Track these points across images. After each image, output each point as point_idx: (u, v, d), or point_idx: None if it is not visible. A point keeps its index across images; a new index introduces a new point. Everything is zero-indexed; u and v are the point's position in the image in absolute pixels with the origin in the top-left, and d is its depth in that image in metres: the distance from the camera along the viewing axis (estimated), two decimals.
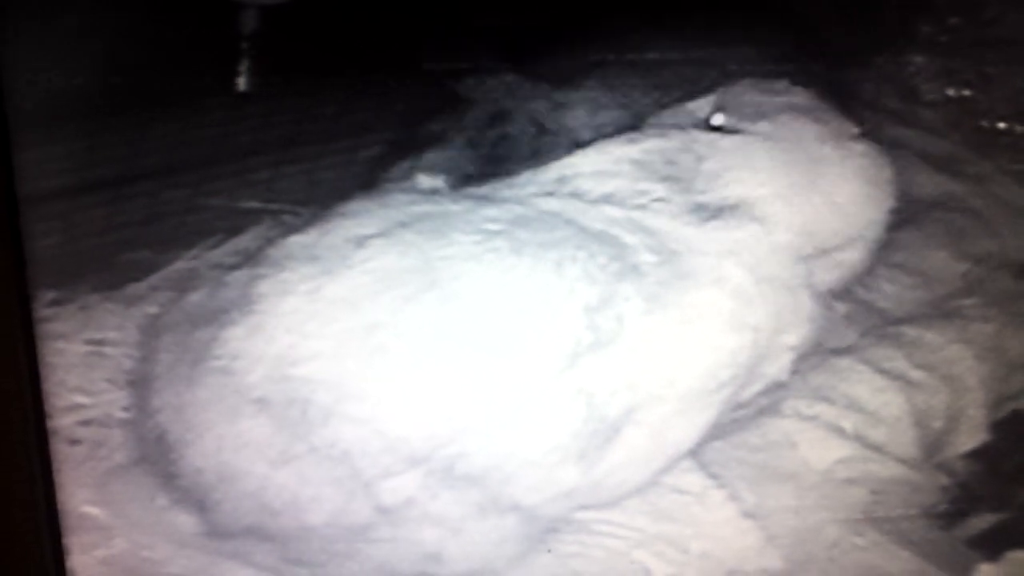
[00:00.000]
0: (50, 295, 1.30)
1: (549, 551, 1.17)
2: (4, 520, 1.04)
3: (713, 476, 1.23)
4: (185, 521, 1.14)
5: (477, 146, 1.52)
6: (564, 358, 1.13)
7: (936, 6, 1.62)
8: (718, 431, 1.25)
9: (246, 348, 1.12)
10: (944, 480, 1.27)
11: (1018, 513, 1.26)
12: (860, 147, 1.36)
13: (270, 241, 1.25)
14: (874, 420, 1.28)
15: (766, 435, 1.27)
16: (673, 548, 1.18)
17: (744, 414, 1.28)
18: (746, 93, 1.41)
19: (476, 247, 1.17)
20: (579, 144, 1.38)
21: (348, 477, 1.09)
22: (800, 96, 1.41)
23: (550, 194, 1.28)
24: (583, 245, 1.19)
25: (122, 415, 1.22)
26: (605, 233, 1.22)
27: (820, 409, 1.28)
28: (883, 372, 1.31)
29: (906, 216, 1.45)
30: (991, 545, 1.22)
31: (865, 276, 1.40)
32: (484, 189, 1.31)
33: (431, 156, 1.50)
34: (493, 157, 1.49)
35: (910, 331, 1.35)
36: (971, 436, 1.31)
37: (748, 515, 1.20)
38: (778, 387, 1.29)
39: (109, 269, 1.36)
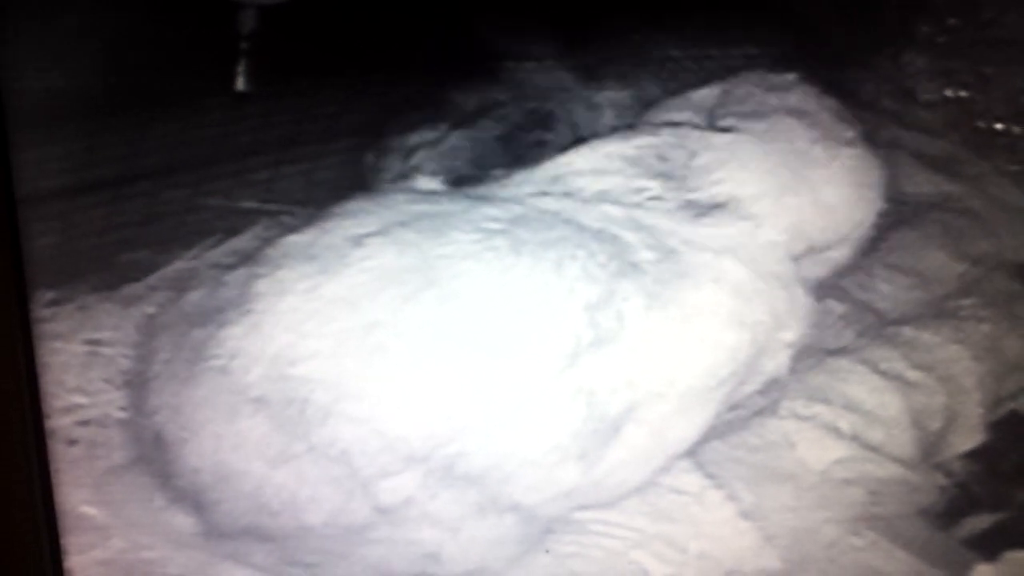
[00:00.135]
0: (48, 295, 1.30)
1: (547, 551, 1.17)
2: (2, 520, 1.04)
3: (711, 476, 1.23)
4: (183, 521, 1.14)
5: (475, 145, 1.51)
6: (564, 357, 1.13)
7: (934, 6, 1.61)
8: (716, 431, 1.25)
9: (244, 347, 1.12)
10: (942, 480, 1.27)
11: (1016, 513, 1.26)
12: (852, 150, 1.36)
13: (268, 241, 1.26)
14: (872, 420, 1.28)
15: (764, 435, 1.27)
16: (671, 548, 1.18)
17: (742, 414, 1.28)
18: (746, 88, 1.42)
19: (475, 246, 1.17)
20: (576, 141, 1.38)
21: (346, 477, 1.09)
22: (799, 96, 1.41)
23: (546, 193, 1.28)
24: (582, 243, 1.19)
25: (120, 415, 1.22)
26: (604, 231, 1.22)
27: (818, 409, 1.28)
28: (880, 373, 1.31)
29: (903, 216, 1.45)
30: (989, 545, 1.22)
31: (859, 274, 1.40)
32: (481, 189, 1.31)
33: (428, 155, 1.50)
34: (490, 156, 1.49)
35: (907, 331, 1.35)
36: (969, 436, 1.31)
37: (746, 515, 1.20)
38: (776, 387, 1.29)
39: (108, 269, 1.36)
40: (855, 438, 1.26)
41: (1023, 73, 1.57)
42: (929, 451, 1.28)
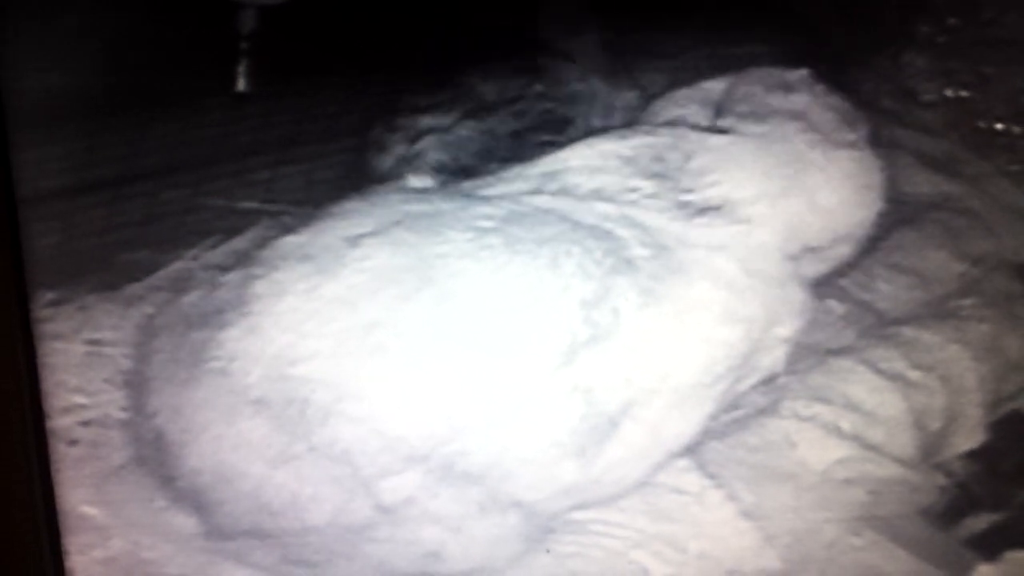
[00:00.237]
0: (49, 295, 1.30)
1: (548, 551, 1.17)
2: (3, 520, 1.04)
3: (711, 476, 1.23)
4: (184, 522, 1.14)
5: (483, 138, 1.51)
6: (561, 354, 1.14)
7: (934, 6, 1.61)
8: (716, 431, 1.25)
9: (243, 349, 1.12)
10: (942, 480, 1.27)
11: (1017, 513, 1.26)
12: (852, 153, 1.36)
13: (266, 241, 1.26)
14: (872, 420, 1.28)
15: (764, 435, 1.27)
16: (671, 548, 1.18)
17: (742, 414, 1.28)
18: (752, 85, 1.41)
19: (470, 244, 1.18)
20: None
21: (347, 476, 1.09)
22: (804, 96, 1.41)
23: (541, 190, 1.28)
24: (577, 240, 1.20)
25: (121, 415, 1.22)
26: (598, 228, 1.22)
27: (818, 409, 1.28)
28: (881, 372, 1.31)
29: (903, 216, 1.45)
30: (989, 545, 1.22)
31: (859, 274, 1.40)
32: (475, 186, 1.31)
33: (435, 142, 1.50)
34: (495, 151, 1.49)
35: (908, 331, 1.35)
36: (969, 436, 1.31)
37: (746, 515, 1.20)
38: (775, 386, 1.29)
39: (108, 269, 1.36)
40: (856, 438, 1.26)
41: (1023, 73, 1.57)
42: (930, 451, 1.28)
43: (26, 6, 1.46)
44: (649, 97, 1.46)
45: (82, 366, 1.26)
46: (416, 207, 1.24)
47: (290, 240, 1.21)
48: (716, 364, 1.21)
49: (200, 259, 1.37)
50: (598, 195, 1.27)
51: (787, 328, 1.27)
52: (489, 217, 1.21)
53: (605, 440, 1.15)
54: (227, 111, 1.57)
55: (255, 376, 1.11)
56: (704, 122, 1.37)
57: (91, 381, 1.25)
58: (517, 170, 1.32)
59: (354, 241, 1.18)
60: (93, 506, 1.15)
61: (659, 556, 1.17)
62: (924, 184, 1.51)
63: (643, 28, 1.61)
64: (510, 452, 1.11)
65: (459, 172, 1.40)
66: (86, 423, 1.22)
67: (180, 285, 1.30)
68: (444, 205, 1.25)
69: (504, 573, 1.15)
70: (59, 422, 1.20)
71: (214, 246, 1.39)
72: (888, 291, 1.41)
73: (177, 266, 1.36)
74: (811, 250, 1.32)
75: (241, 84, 1.58)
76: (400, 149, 1.48)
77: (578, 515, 1.19)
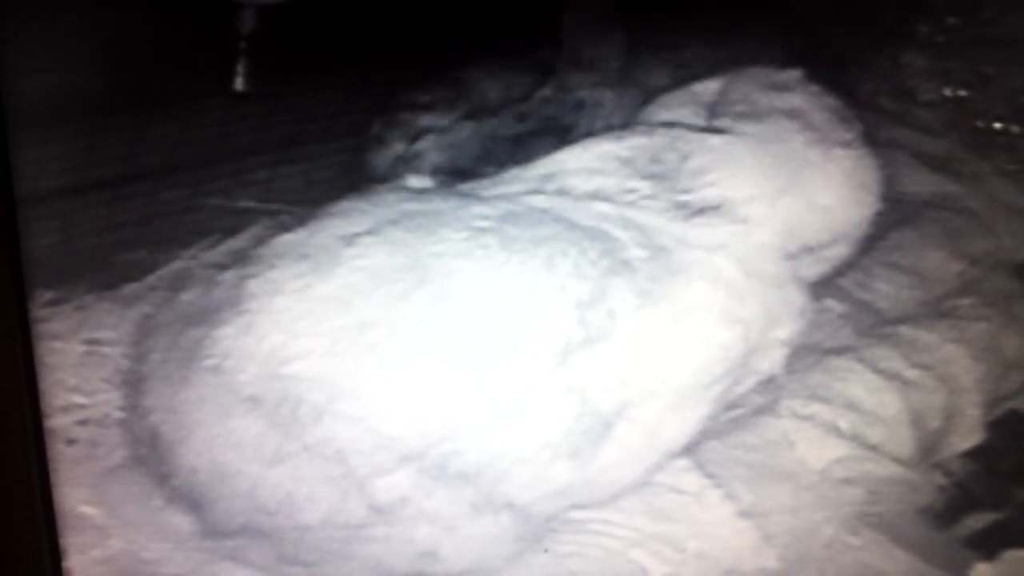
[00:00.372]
0: (47, 295, 1.31)
1: (546, 550, 1.17)
2: (1, 520, 1.04)
3: (710, 476, 1.23)
4: (180, 521, 1.14)
5: (483, 141, 1.51)
6: (556, 354, 1.13)
7: (934, 6, 1.61)
8: (715, 431, 1.25)
9: (237, 347, 1.12)
10: (941, 479, 1.27)
11: (1015, 512, 1.26)
12: (849, 152, 1.36)
13: (263, 240, 1.26)
14: (871, 420, 1.27)
15: (763, 435, 1.27)
16: (670, 547, 1.18)
17: (741, 414, 1.28)
18: (747, 85, 1.41)
19: (466, 244, 1.18)
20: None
21: (342, 476, 1.09)
22: (799, 96, 1.40)
23: (537, 191, 1.28)
24: (573, 241, 1.20)
25: (119, 415, 1.22)
26: (595, 229, 1.22)
27: (816, 409, 1.28)
28: (879, 372, 1.31)
29: (902, 216, 1.45)
30: (988, 544, 1.22)
31: (857, 273, 1.40)
32: (472, 186, 1.31)
33: (434, 144, 1.49)
34: (494, 153, 1.49)
35: (906, 331, 1.35)
36: (968, 435, 1.30)
37: (745, 514, 1.20)
38: (774, 386, 1.29)
39: (107, 269, 1.36)
40: (854, 437, 1.26)
41: (1022, 73, 1.56)
42: (928, 450, 1.28)
43: (26, 6, 1.46)
44: (646, 98, 1.46)
45: (80, 365, 1.26)
46: (413, 206, 1.24)
47: (286, 239, 1.21)
48: (714, 366, 1.21)
49: (198, 258, 1.37)
50: (595, 196, 1.27)
51: (786, 330, 1.27)
52: (485, 217, 1.21)
53: (600, 441, 1.15)
54: (226, 111, 1.57)
55: (249, 374, 1.11)
56: (700, 123, 1.36)
57: (89, 380, 1.25)
58: (514, 171, 1.32)
59: (350, 240, 1.18)
60: (91, 505, 1.16)
61: (658, 555, 1.17)
62: (923, 183, 1.51)
63: (643, 28, 1.61)
64: (505, 452, 1.11)
65: (457, 173, 1.40)
66: (84, 422, 1.22)
67: (178, 284, 1.30)
68: (441, 204, 1.25)
69: (501, 573, 1.15)
70: (57, 421, 1.21)
71: (212, 245, 1.39)
72: (887, 290, 1.41)
73: (175, 265, 1.37)
74: (809, 250, 1.32)
75: (240, 84, 1.58)
76: (399, 147, 1.48)
77: (576, 514, 1.19)
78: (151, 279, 1.35)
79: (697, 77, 1.44)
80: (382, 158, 1.49)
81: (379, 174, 1.47)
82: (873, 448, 1.26)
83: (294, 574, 1.12)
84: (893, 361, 1.32)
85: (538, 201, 1.26)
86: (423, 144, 1.48)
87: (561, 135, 1.49)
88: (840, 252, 1.36)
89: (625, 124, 1.42)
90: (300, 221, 1.25)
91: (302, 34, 1.61)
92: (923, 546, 1.21)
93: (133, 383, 1.21)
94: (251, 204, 1.46)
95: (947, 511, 1.25)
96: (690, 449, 1.23)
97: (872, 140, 1.40)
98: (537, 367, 1.13)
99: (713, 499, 1.21)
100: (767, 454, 1.25)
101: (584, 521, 1.19)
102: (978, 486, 1.27)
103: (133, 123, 1.54)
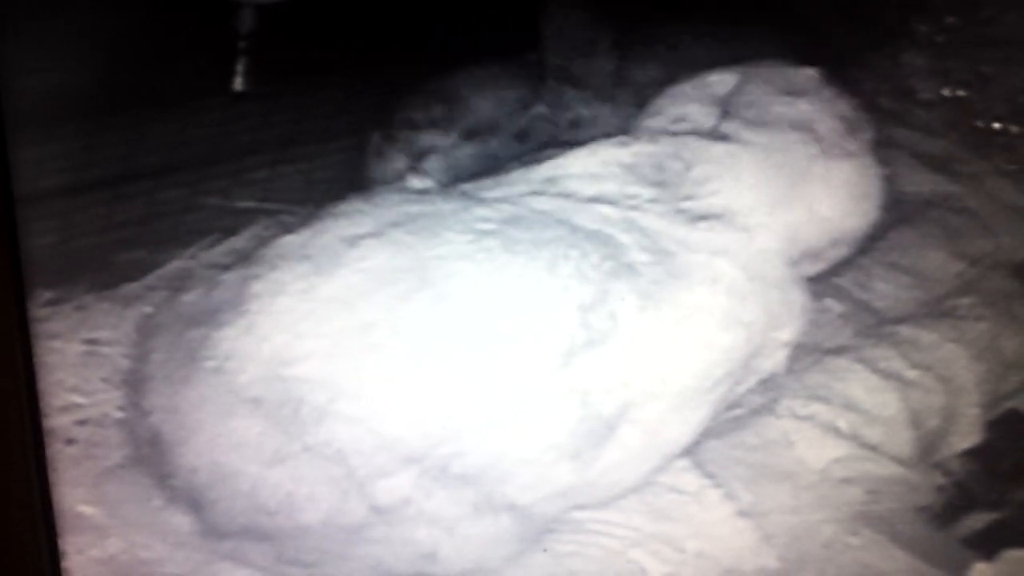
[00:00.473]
0: (47, 295, 1.31)
1: (545, 550, 1.17)
2: (1, 520, 1.04)
3: (709, 475, 1.23)
4: (180, 521, 1.14)
5: (487, 158, 1.51)
6: (558, 357, 1.13)
7: (933, 6, 1.61)
8: (714, 431, 1.25)
9: (239, 348, 1.12)
10: (940, 479, 1.27)
11: (1014, 512, 1.26)
12: (851, 163, 1.35)
13: (265, 240, 1.26)
14: (870, 419, 1.28)
15: (762, 434, 1.27)
16: (669, 547, 1.18)
17: (740, 413, 1.28)
18: (759, 86, 1.41)
19: (468, 246, 1.17)
20: (569, 127, 1.38)
21: (343, 476, 1.09)
22: (810, 101, 1.40)
23: (540, 194, 1.28)
24: (576, 244, 1.19)
25: (118, 415, 1.22)
26: (598, 232, 1.22)
27: (816, 409, 1.28)
28: (879, 372, 1.31)
29: (901, 215, 1.45)
30: (987, 544, 1.22)
31: (857, 273, 1.40)
32: (475, 189, 1.31)
33: (439, 163, 1.49)
34: (486, 156, 1.49)
35: (906, 331, 1.35)
36: (967, 435, 1.31)
37: (744, 514, 1.20)
38: (774, 386, 1.29)
39: (106, 269, 1.36)
40: (853, 437, 1.26)
41: (1022, 73, 1.57)
42: (927, 450, 1.29)
43: (26, 6, 1.46)
44: (648, 95, 1.46)
45: (79, 365, 1.26)
46: (415, 208, 1.24)
47: (289, 240, 1.21)
48: (716, 368, 1.20)
49: (198, 258, 1.38)
50: (598, 199, 1.27)
51: (788, 332, 1.27)
52: (488, 219, 1.21)
53: (602, 443, 1.15)
54: (225, 110, 1.58)
55: (251, 375, 1.10)
56: (706, 122, 1.36)
57: (88, 380, 1.25)
58: (518, 174, 1.32)
59: (353, 241, 1.18)
60: (90, 505, 1.15)
61: (657, 555, 1.17)
62: (922, 183, 1.51)
63: (642, 27, 1.61)
64: (507, 454, 1.11)
65: (454, 179, 1.40)
66: (83, 422, 1.22)
67: (178, 284, 1.30)
68: (443, 206, 1.25)
69: (500, 573, 1.15)
70: (56, 421, 1.21)
71: (212, 245, 1.39)
72: (886, 290, 1.41)
73: (175, 265, 1.37)
74: (810, 254, 1.33)
75: (239, 84, 1.58)
76: (403, 163, 1.48)
77: (576, 514, 1.19)
78: (150, 279, 1.35)
79: (698, 74, 1.43)
80: (385, 171, 1.49)
81: (382, 178, 1.48)
82: (872, 448, 1.26)
83: (294, 574, 1.12)
84: (893, 361, 1.32)
85: (540, 203, 1.26)
86: (429, 164, 1.48)
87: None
88: (839, 253, 1.37)
89: (628, 125, 1.42)
90: (301, 222, 1.24)
91: (301, 34, 1.61)
92: (922, 546, 1.21)
93: (134, 383, 1.21)
94: (250, 204, 1.46)
95: (946, 511, 1.25)
96: (690, 449, 1.23)
97: (877, 144, 1.40)
98: (540, 369, 1.13)
99: (712, 499, 1.21)
100: (767, 454, 1.25)
101: (583, 521, 1.19)
102: (977, 486, 1.27)
103: (132, 123, 1.54)
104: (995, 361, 1.34)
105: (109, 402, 1.23)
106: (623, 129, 1.42)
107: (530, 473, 1.12)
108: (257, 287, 1.15)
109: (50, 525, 1.10)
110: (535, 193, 1.28)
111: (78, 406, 1.23)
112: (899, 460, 1.26)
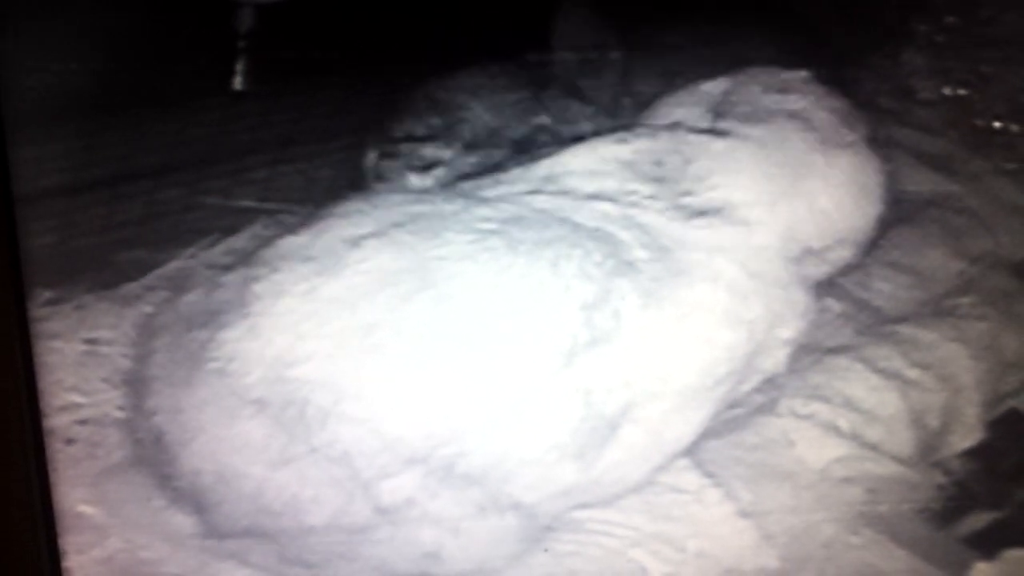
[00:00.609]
0: (46, 294, 1.30)
1: (546, 550, 1.17)
2: (1, 520, 1.04)
3: (710, 475, 1.23)
4: (182, 522, 1.14)
5: (471, 145, 1.51)
6: (562, 356, 1.13)
7: (933, 5, 1.61)
8: (715, 430, 1.25)
9: (242, 349, 1.12)
10: (940, 478, 1.27)
11: (1015, 511, 1.26)
12: (851, 156, 1.36)
13: (265, 241, 1.26)
14: (870, 419, 1.28)
15: (763, 434, 1.27)
16: (670, 547, 1.18)
17: (741, 413, 1.28)
18: (752, 86, 1.41)
19: (471, 246, 1.17)
20: (571, 141, 1.37)
21: (347, 478, 1.09)
22: (803, 97, 1.40)
23: (540, 192, 1.28)
24: (578, 243, 1.19)
25: (118, 414, 1.22)
26: (599, 230, 1.22)
27: (816, 408, 1.28)
28: (879, 371, 1.31)
29: (901, 214, 1.45)
30: (988, 544, 1.22)
31: (857, 272, 1.40)
32: (474, 186, 1.31)
33: (446, 175, 1.49)
34: (486, 156, 1.48)
35: (906, 330, 1.35)
36: (967, 435, 1.31)
37: (745, 514, 1.20)
38: (775, 385, 1.29)
39: (106, 268, 1.35)
40: (854, 436, 1.27)
41: (1022, 72, 1.57)
42: (928, 449, 1.29)
43: (26, 6, 1.46)
44: (648, 98, 1.46)
45: (79, 365, 1.26)
46: (416, 208, 1.24)
47: (291, 240, 1.21)
48: (718, 366, 1.21)
49: (197, 258, 1.37)
50: (597, 196, 1.27)
51: (789, 330, 1.27)
52: (489, 219, 1.21)
53: (605, 442, 1.15)
54: (225, 110, 1.57)
55: (254, 377, 1.10)
56: (703, 124, 1.36)
57: (88, 380, 1.25)
58: (517, 172, 1.32)
59: (354, 242, 1.18)
60: (90, 505, 1.15)
61: (657, 555, 1.17)
62: (922, 182, 1.51)
63: (642, 28, 1.60)
64: (510, 454, 1.11)
65: (455, 178, 1.39)
66: (83, 422, 1.22)
67: (177, 284, 1.30)
68: (444, 207, 1.25)
69: (503, 572, 1.15)
70: (56, 421, 1.20)
71: (211, 245, 1.39)
72: (886, 289, 1.41)
73: (175, 265, 1.37)
74: (812, 252, 1.32)
75: (239, 83, 1.58)
76: (411, 178, 1.48)
77: (576, 514, 1.19)
78: (150, 278, 1.35)
79: (699, 78, 1.44)
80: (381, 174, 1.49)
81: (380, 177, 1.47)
82: (873, 447, 1.26)
83: (296, 575, 1.12)
84: (893, 360, 1.32)
85: (540, 201, 1.26)
86: (435, 175, 1.48)
87: (536, 122, 1.50)
88: (842, 255, 1.36)
89: (627, 125, 1.42)
90: (302, 221, 1.25)
91: (301, 33, 1.61)
92: (923, 545, 1.21)
93: (135, 384, 1.21)
94: (250, 203, 1.46)
95: (947, 510, 1.25)
96: (690, 448, 1.23)
97: (875, 141, 1.40)
98: (542, 368, 1.13)
99: (713, 498, 1.21)
100: (767, 453, 1.25)
101: (584, 521, 1.19)
102: (978, 485, 1.27)
103: (132, 122, 1.53)
104: (995, 360, 1.34)
105: (109, 402, 1.23)
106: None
107: (533, 473, 1.12)
108: (259, 288, 1.15)
109: (50, 525, 1.10)
110: (535, 191, 1.28)
111: (78, 406, 1.23)
112: (899, 459, 1.26)
